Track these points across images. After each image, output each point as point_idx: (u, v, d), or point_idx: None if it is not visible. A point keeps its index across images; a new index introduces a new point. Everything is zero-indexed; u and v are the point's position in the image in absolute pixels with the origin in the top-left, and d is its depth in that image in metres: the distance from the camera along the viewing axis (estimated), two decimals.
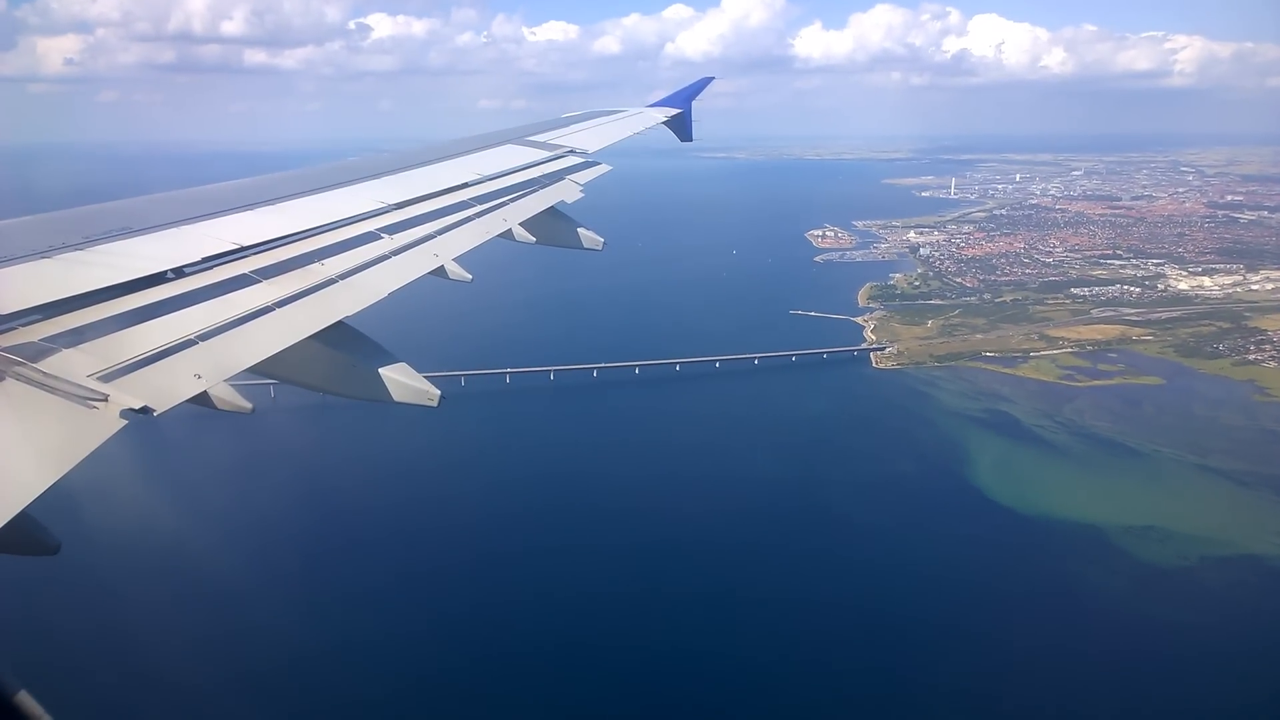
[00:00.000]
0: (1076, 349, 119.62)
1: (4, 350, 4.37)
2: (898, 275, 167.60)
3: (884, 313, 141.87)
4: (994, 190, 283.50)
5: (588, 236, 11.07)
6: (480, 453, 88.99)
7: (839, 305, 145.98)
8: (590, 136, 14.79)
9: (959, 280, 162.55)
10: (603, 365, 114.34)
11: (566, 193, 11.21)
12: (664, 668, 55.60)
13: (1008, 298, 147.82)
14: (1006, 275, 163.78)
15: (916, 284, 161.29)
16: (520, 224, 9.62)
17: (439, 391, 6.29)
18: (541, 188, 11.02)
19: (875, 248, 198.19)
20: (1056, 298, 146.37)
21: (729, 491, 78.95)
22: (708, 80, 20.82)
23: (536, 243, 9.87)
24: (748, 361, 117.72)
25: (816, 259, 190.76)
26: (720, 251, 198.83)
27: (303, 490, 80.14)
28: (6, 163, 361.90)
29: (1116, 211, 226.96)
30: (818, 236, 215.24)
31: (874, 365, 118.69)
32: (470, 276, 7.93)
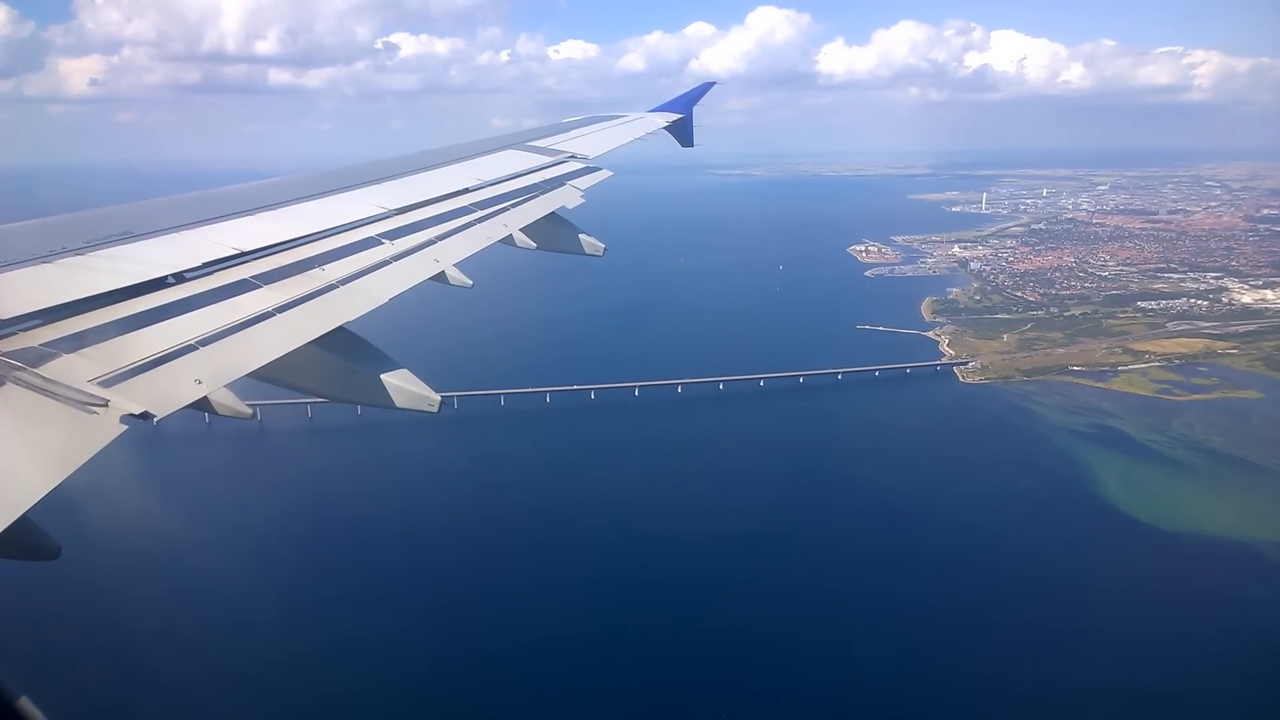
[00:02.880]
0: (1164, 363, 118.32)
1: (5, 355, 4.31)
2: (955, 290, 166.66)
3: (953, 327, 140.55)
4: (1024, 205, 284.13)
5: (589, 242, 10.86)
6: (584, 468, 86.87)
7: (904, 320, 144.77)
8: (592, 142, 14.57)
9: (1019, 294, 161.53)
10: (687, 380, 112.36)
11: (568, 198, 11.13)
12: (840, 692, 53.53)
13: (1075, 311, 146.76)
14: (1067, 289, 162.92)
15: (977, 298, 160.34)
16: (521, 229, 9.50)
17: (439, 397, 6.25)
18: (542, 193, 10.91)
19: (922, 262, 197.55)
20: (1125, 311, 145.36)
21: (862, 511, 77.18)
22: (709, 85, 20.85)
23: (538, 248, 9.75)
24: (830, 377, 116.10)
25: (867, 274, 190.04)
26: (766, 267, 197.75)
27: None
28: (20, 183, 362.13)
29: (1155, 226, 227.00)
30: (860, 252, 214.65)
31: (961, 380, 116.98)
32: (471, 282, 7.80)
